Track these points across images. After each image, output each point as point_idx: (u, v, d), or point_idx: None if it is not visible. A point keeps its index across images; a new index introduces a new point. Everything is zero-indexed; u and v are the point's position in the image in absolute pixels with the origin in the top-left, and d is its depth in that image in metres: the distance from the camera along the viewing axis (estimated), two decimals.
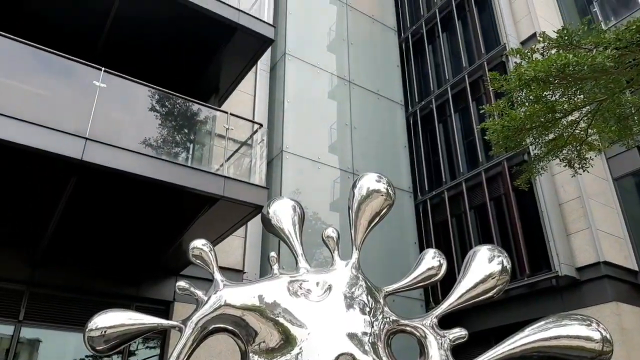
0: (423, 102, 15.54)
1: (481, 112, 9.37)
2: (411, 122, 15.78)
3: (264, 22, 9.25)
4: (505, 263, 2.25)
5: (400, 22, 17.37)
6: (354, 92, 14.82)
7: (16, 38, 6.53)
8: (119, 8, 8.37)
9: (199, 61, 9.59)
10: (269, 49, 11.96)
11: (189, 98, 8.13)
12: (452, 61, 15.23)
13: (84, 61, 6.99)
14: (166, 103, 8.69)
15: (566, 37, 6.89)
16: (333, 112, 14.33)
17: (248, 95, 12.43)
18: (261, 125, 9.00)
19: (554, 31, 7.16)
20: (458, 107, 14.41)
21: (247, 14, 8.99)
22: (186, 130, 9.13)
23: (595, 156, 9.31)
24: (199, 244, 2.44)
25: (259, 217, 6.83)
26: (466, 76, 14.16)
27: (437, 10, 15.91)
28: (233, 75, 9.91)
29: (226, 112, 8.42)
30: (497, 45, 13.47)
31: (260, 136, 9.00)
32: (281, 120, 12.81)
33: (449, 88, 14.69)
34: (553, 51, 7.18)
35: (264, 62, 13.37)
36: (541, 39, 7.06)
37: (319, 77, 14.34)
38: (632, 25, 6.60)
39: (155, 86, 7.75)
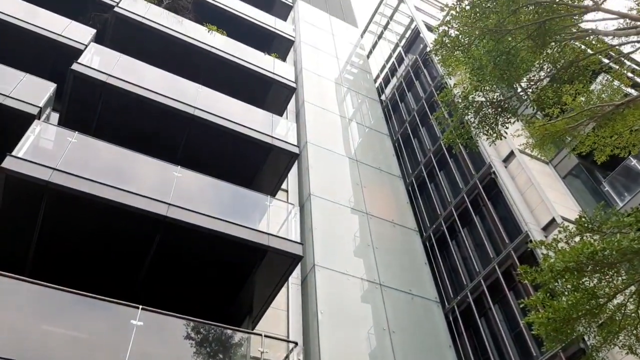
0: (459, 297, 15.16)
1: (521, 306, 9.06)
2: (451, 319, 15.16)
3: (292, 241, 9.79)
4: None
5: (420, 222, 18.12)
6: (386, 294, 14.66)
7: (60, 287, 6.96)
8: (160, 242, 9.03)
9: (232, 286, 9.87)
10: (299, 264, 12.39)
11: (222, 325, 8.16)
12: (478, 253, 15.35)
13: (122, 302, 7.27)
14: (201, 330, 8.69)
15: (586, 224, 7.07)
16: (369, 317, 13.97)
17: (281, 311, 12.38)
18: (296, 343, 8.79)
19: (574, 220, 7.39)
20: (496, 298, 13.97)
21: (277, 235, 9.59)
22: (221, 356, 8.91)
23: None
24: None
25: None
26: (496, 266, 14.09)
27: (452, 208, 16.73)
28: (265, 295, 10.07)
29: (260, 334, 8.32)
30: (519, 233, 13.72)
31: (296, 355, 8.69)
32: (316, 333, 12.44)
33: (482, 280, 14.49)
34: (577, 238, 7.28)
35: (294, 275, 13.67)
36: (562, 229, 7.24)
37: (350, 284, 14.41)
38: None
39: (190, 317, 7.87)
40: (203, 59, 14.59)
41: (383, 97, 25.46)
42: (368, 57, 27.93)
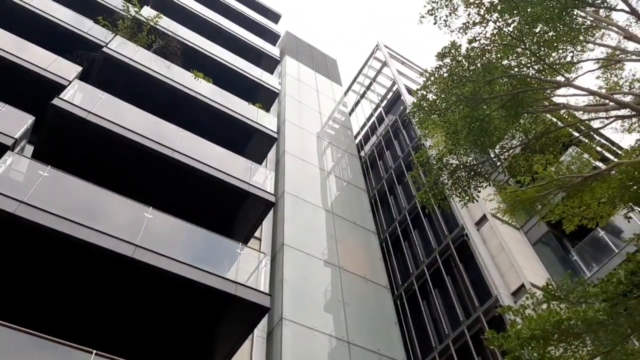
0: None
1: None
2: None
3: (260, 291, 9.59)
4: None
5: (392, 280, 18.01)
6: (353, 353, 14.28)
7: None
8: (124, 284, 8.74)
9: (194, 335, 9.52)
10: (266, 316, 12.06)
11: None
12: (448, 315, 15.23)
13: (75, 345, 6.93)
14: None
15: (553, 292, 7.13)
16: None
17: None
18: None
19: (541, 287, 7.45)
20: None
21: (245, 285, 9.39)
22: None
23: None
24: None
25: None
26: (465, 330, 13.95)
27: (425, 267, 16.73)
28: (228, 347, 9.73)
29: None
30: (489, 297, 13.72)
31: None
32: None
33: (450, 343, 14.28)
34: (544, 306, 7.32)
35: (260, 328, 13.27)
36: (529, 295, 7.28)
37: (317, 340, 14.02)
38: (612, 278, 6.93)
39: None
40: (187, 104, 14.77)
41: (362, 154, 25.93)
42: (350, 114, 28.66)
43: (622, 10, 7.48)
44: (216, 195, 12.36)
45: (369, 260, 18.14)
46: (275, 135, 15.80)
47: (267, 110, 18.25)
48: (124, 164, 11.82)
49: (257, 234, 15.23)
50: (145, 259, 8.53)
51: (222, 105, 14.95)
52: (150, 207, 9.87)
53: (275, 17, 27.41)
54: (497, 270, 14.33)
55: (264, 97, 18.67)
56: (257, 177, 13.01)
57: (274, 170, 18.23)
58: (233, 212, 12.95)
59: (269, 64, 21.83)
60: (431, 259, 16.68)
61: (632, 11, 7.24)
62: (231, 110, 15.08)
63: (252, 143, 15.73)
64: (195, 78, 14.99)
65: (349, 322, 15.10)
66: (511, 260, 14.11)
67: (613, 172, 8.89)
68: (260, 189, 12.29)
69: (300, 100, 23.96)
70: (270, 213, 16.05)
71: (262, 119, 15.80)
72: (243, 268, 10.52)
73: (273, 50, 22.42)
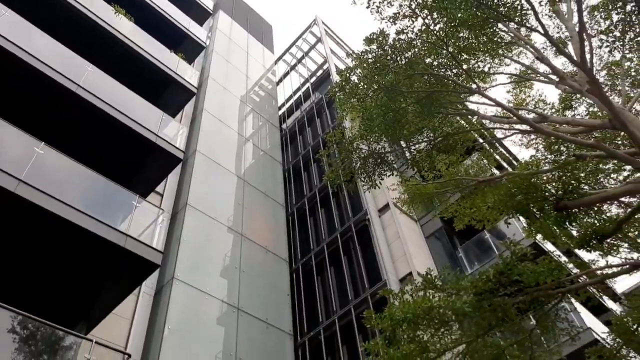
0: (311, 333, 15.40)
1: (361, 348, 9.43)
2: (299, 353, 15.29)
3: (152, 247, 9.30)
4: None
5: (293, 254, 18.32)
6: (242, 320, 14.41)
7: None
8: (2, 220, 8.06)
9: (75, 285, 9.06)
10: (156, 273, 11.75)
11: (49, 323, 7.39)
12: (339, 294, 15.83)
13: None
14: (29, 325, 7.82)
15: (431, 281, 7.64)
16: (219, 341, 13.56)
17: (124, 319, 11.56)
18: (129, 355, 8.20)
19: (420, 275, 7.96)
20: (345, 339, 14.42)
21: (135, 238, 9.04)
22: (46, 357, 8.05)
23: None
24: None
25: None
26: (352, 309, 14.61)
27: (325, 245, 17.19)
28: (110, 300, 9.37)
29: (91, 340, 7.66)
30: (379, 280, 14.43)
31: None
32: (158, 350, 11.76)
33: (336, 319, 14.89)
34: (421, 293, 7.83)
35: (149, 285, 12.92)
36: (408, 282, 7.75)
37: (208, 303, 13.95)
38: (482, 275, 7.56)
39: (16, 310, 7.03)
40: (102, 39, 13.70)
41: (284, 126, 25.82)
42: (277, 84, 28.32)
43: (538, 31, 8.02)
44: (120, 142, 11.70)
45: (273, 231, 18.26)
46: (195, 90, 15.19)
47: (190, 62, 17.45)
48: (22, 92, 10.77)
49: (160, 189, 14.70)
50: (27, 196, 7.90)
51: (139, 47, 14.03)
52: (42, 143, 9.12)
53: None
54: (390, 257, 15.09)
55: (190, 49, 17.85)
56: (168, 130, 12.48)
57: (189, 127, 17.62)
58: (137, 163, 12.35)
59: (200, 15, 20.82)
60: (332, 239, 17.16)
61: (545, 34, 7.77)
62: (149, 54, 14.21)
63: (169, 94, 15.01)
64: (115, 13, 13.92)
65: (243, 290, 15.16)
66: (404, 249, 14.91)
67: (504, 180, 9.61)
68: (168, 142, 11.82)
69: (229, 59, 23.22)
70: (178, 170, 15.55)
71: (184, 71, 15.11)
72: (139, 222, 10.11)
73: (206, 1, 21.35)
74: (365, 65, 9.12)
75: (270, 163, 21.31)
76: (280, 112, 26.58)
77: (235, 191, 17.56)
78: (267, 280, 16.43)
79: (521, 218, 11.48)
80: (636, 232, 9.55)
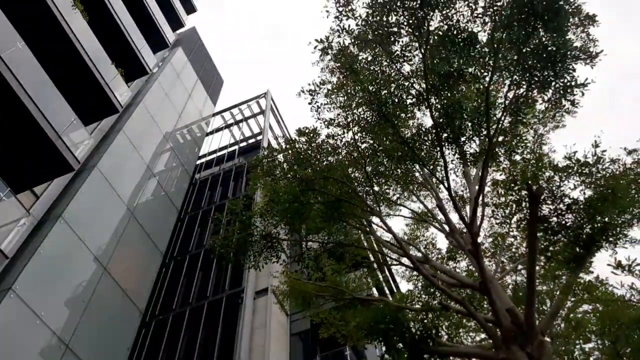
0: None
1: None
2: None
3: None
4: None
5: (151, 306, 17.08)
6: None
7: None
8: None
9: None
10: None
11: None
12: None
13: None
14: None
15: None
16: None
17: None
18: None
19: None
20: None
21: None
22: None
23: None
24: None
25: None
26: None
27: (189, 309, 16.33)
28: None
29: None
30: None
31: None
32: None
33: None
34: None
35: None
36: None
37: (35, 329, 12.31)
38: None
39: None
40: (48, 23, 13.05)
41: (197, 176, 25.28)
42: (207, 135, 28.19)
43: (444, 184, 8.79)
44: (18, 127, 10.75)
45: (140, 277, 17.10)
46: (120, 108, 14.64)
47: (129, 82, 16.99)
48: None
49: (39, 191, 13.48)
50: None
51: (80, 45, 13.44)
52: None
53: (191, 8, 26.56)
54: (249, 343, 14.49)
55: (135, 69, 17.46)
56: (74, 136, 11.74)
57: (98, 142, 16.75)
58: (27, 155, 11.35)
59: (158, 43, 20.69)
60: (199, 305, 16.30)
61: (448, 188, 8.54)
62: (87, 54, 13.64)
63: (92, 101, 14.31)
64: (73, 6, 13.44)
65: (81, 328, 13.68)
66: (266, 342, 14.43)
67: (375, 304, 9.88)
68: (67, 147, 11.05)
69: (169, 93, 22.93)
70: (67, 179, 14.48)
71: (116, 86, 14.61)
72: None
73: (168, 32, 21.37)
74: (290, 152, 9.38)
75: (167, 207, 20.50)
76: (199, 162, 26.15)
77: (119, 222, 16.48)
78: (114, 326, 15.02)
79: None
80: None
